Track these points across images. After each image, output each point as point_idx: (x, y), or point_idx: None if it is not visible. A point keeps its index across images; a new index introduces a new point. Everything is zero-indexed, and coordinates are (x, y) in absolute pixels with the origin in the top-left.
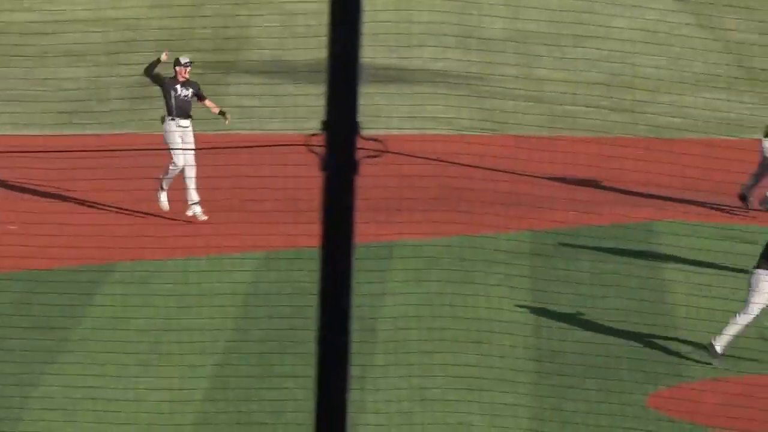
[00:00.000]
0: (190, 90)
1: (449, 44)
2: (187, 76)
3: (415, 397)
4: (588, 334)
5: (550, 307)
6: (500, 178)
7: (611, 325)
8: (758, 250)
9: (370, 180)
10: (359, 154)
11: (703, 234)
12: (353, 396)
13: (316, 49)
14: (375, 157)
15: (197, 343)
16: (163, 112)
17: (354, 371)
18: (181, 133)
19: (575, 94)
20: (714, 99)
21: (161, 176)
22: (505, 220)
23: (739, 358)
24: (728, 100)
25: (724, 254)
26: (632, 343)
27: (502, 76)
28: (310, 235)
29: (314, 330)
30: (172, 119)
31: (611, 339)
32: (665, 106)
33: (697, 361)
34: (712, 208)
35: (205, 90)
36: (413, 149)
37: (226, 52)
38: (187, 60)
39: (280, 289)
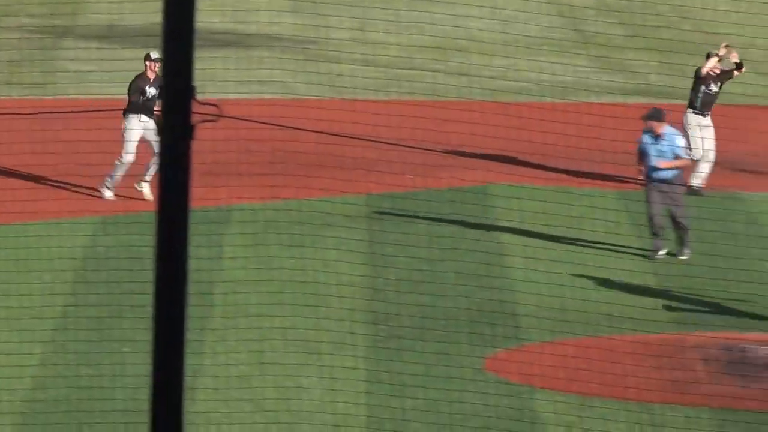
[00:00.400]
0: (159, 90)
1: (284, 8)
2: (157, 71)
3: (252, 360)
4: (425, 298)
5: (387, 271)
6: (336, 141)
7: (448, 288)
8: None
9: (207, 144)
10: (195, 119)
11: (538, 197)
12: (190, 360)
13: (152, 13)
14: (211, 121)
15: (35, 308)
16: (130, 107)
17: (191, 336)
18: (142, 131)
19: (410, 57)
20: (548, 62)
21: (109, 173)
22: (342, 184)
23: (575, 322)
24: (563, 64)
25: (558, 216)
26: (470, 306)
27: (337, 39)
28: (146, 199)
29: (151, 294)
30: (135, 115)
31: (449, 302)
32: (500, 70)
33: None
34: (546, 171)
35: (41, 55)
36: (249, 113)
37: (62, 16)
38: (158, 56)
39: (117, 254)
